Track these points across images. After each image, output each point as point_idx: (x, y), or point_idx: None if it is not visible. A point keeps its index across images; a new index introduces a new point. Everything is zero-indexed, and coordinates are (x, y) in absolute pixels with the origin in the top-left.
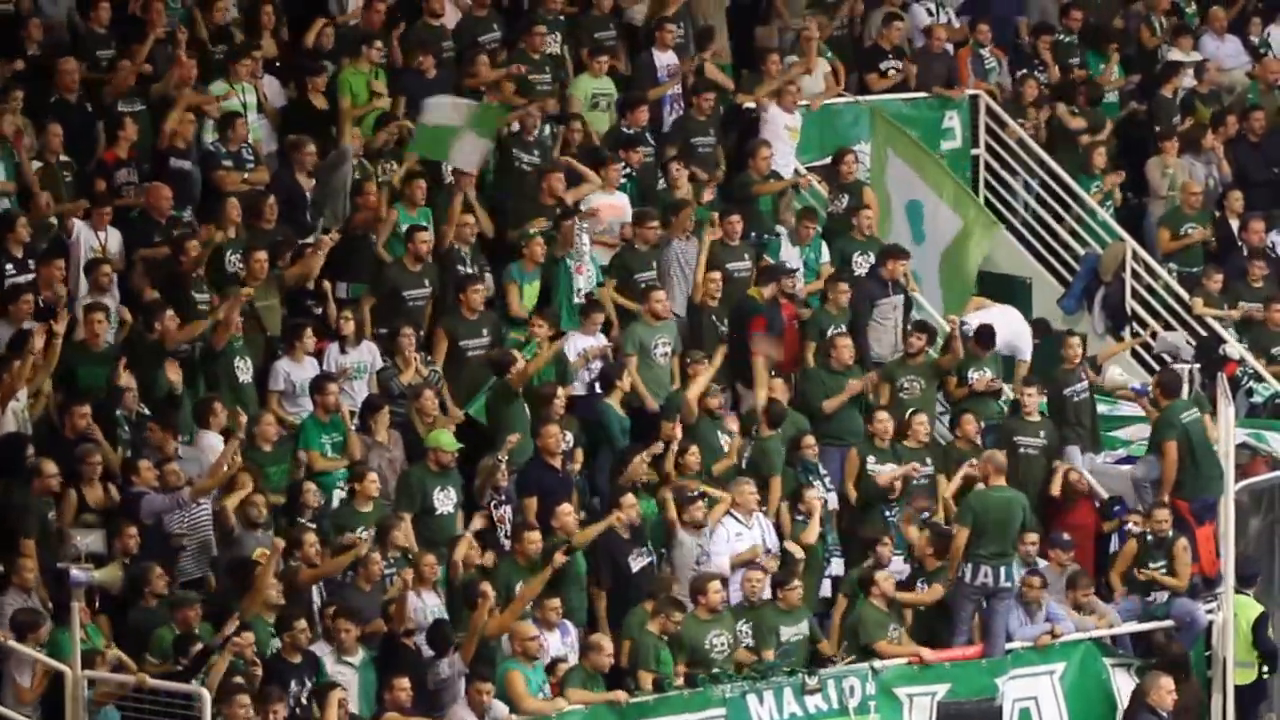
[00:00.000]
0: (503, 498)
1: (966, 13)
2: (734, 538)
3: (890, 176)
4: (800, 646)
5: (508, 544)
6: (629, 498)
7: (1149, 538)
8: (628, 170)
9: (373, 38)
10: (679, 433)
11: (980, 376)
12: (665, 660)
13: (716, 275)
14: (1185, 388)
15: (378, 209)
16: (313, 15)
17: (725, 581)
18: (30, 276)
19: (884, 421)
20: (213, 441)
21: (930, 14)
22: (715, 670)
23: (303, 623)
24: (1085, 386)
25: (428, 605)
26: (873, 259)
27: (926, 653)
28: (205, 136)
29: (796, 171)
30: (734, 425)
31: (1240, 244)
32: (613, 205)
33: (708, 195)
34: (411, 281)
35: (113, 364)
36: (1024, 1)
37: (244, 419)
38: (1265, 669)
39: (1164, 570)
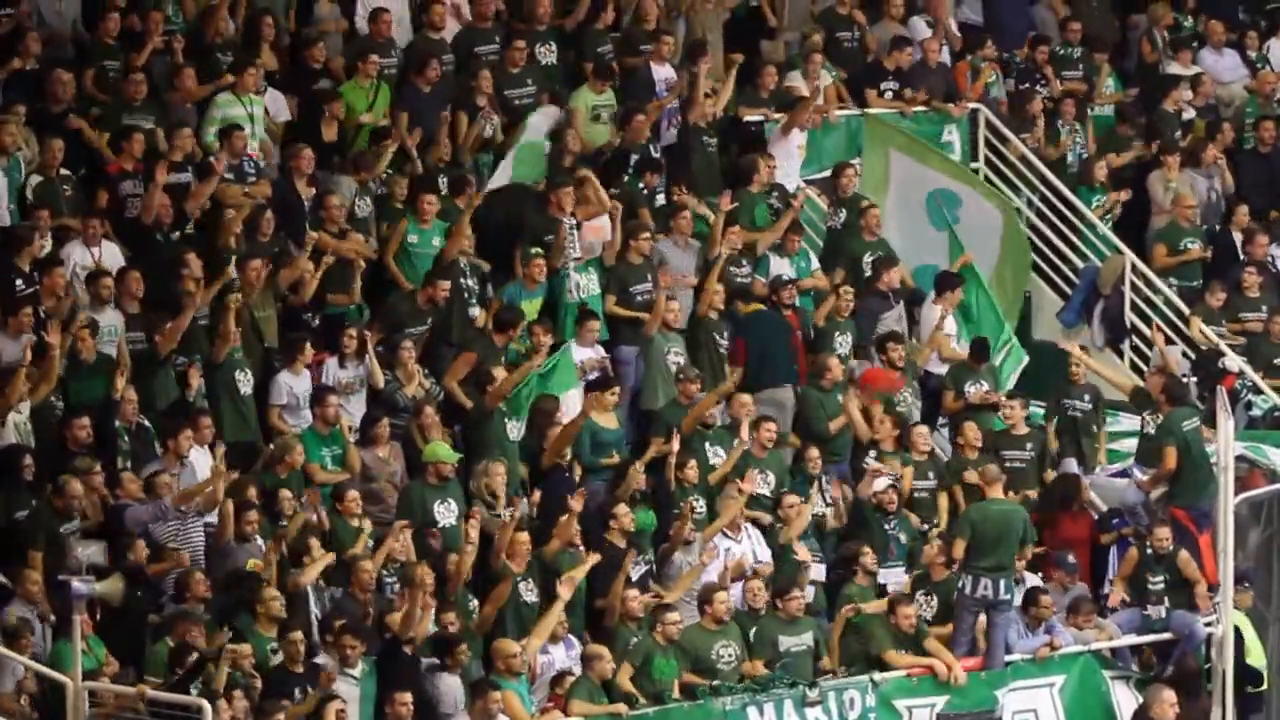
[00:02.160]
0: (499, 512)
1: (977, 28)
2: (723, 553)
3: (897, 175)
4: (803, 658)
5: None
6: (622, 508)
7: (1149, 551)
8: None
9: (372, 50)
10: (676, 444)
11: (976, 390)
12: (659, 668)
13: (720, 286)
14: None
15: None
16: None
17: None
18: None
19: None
20: (196, 454)
21: (930, 25)
22: (716, 682)
23: (299, 634)
24: (1089, 403)
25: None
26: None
27: (939, 666)
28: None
29: (798, 188)
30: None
31: (1245, 256)
32: (594, 226)
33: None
34: (416, 319)
35: (103, 376)
36: (1032, 17)
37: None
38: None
39: (1165, 583)
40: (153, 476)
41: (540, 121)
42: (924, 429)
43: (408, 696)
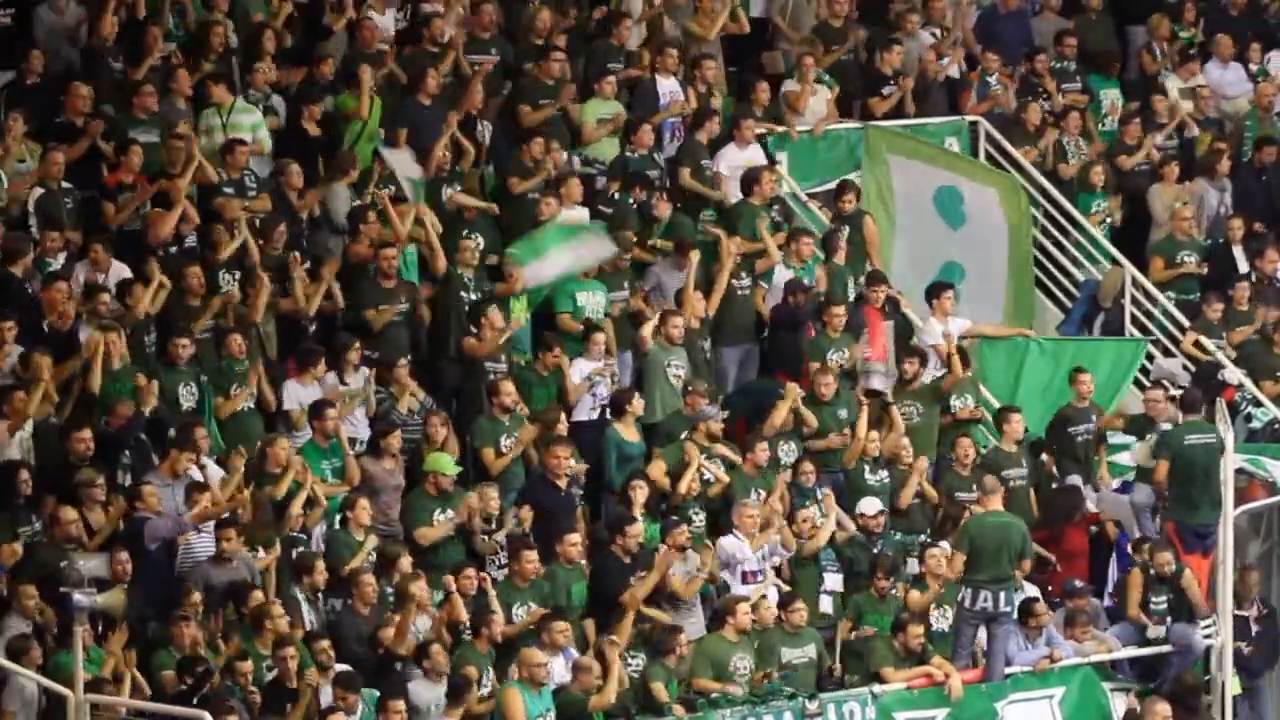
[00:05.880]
0: (493, 527)
1: (978, 40)
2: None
3: (901, 183)
4: (805, 669)
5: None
6: (636, 525)
7: (1151, 572)
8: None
9: (363, 60)
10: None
11: (963, 405)
12: (673, 691)
13: (698, 294)
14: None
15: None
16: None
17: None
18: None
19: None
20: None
21: (935, 37)
22: (715, 695)
23: (291, 649)
24: (1092, 426)
25: (419, 628)
26: (864, 281)
27: (935, 672)
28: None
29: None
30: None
31: (1253, 270)
32: (576, 220)
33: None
34: (385, 298)
35: (129, 381)
36: (1031, 29)
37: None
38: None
39: (1167, 603)
40: (192, 491)
41: (592, 251)
42: (905, 441)
43: (400, 704)
